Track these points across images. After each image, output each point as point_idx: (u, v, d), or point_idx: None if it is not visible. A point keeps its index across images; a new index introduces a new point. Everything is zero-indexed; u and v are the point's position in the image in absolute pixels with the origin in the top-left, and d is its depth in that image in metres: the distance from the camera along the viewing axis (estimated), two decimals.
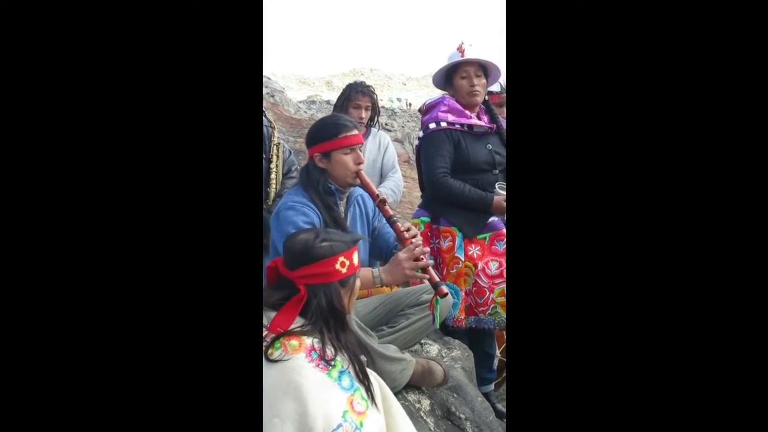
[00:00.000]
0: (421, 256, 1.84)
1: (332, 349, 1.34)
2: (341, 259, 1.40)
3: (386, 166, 3.09)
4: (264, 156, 2.60)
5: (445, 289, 1.84)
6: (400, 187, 3.07)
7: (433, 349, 2.22)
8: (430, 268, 1.85)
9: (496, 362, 2.66)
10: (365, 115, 3.01)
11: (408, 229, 1.92)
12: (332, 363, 1.32)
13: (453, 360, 2.18)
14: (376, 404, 1.42)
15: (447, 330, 2.44)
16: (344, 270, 1.41)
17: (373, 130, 3.12)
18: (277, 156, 2.62)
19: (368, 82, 3.10)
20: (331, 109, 3.20)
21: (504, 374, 2.82)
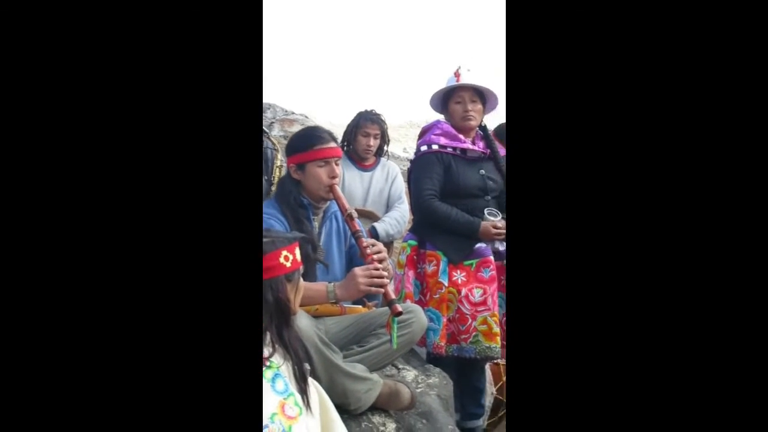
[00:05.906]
0: (379, 273, 1.81)
1: (270, 350, 1.32)
2: (284, 253, 1.39)
3: (393, 197, 3.07)
4: (266, 177, 2.65)
5: (399, 307, 1.78)
6: (405, 217, 3.03)
7: (410, 374, 2.15)
8: (387, 286, 1.81)
9: (487, 398, 2.54)
10: (374, 143, 3.00)
11: (372, 245, 1.90)
12: (267, 364, 1.31)
13: (429, 386, 2.10)
14: (311, 412, 1.39)
15: (432, 359, 2.37)
16: (288, 264, 1.40)
17: (382, 159, 3.12)
18: (279, 178, 2.66)
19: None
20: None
21: (500, 414, 2.68)
